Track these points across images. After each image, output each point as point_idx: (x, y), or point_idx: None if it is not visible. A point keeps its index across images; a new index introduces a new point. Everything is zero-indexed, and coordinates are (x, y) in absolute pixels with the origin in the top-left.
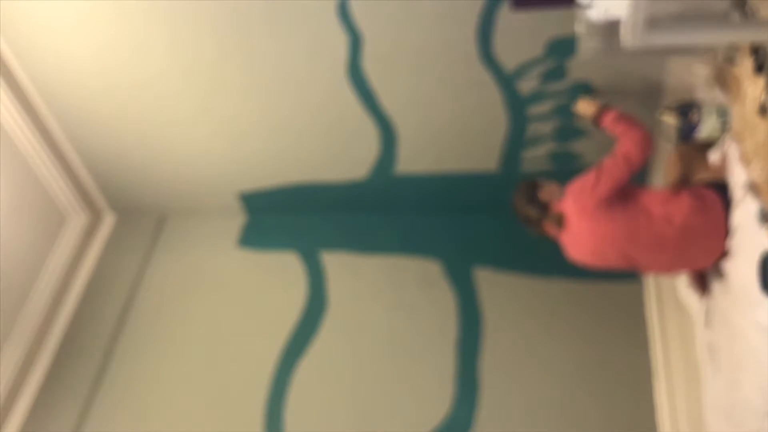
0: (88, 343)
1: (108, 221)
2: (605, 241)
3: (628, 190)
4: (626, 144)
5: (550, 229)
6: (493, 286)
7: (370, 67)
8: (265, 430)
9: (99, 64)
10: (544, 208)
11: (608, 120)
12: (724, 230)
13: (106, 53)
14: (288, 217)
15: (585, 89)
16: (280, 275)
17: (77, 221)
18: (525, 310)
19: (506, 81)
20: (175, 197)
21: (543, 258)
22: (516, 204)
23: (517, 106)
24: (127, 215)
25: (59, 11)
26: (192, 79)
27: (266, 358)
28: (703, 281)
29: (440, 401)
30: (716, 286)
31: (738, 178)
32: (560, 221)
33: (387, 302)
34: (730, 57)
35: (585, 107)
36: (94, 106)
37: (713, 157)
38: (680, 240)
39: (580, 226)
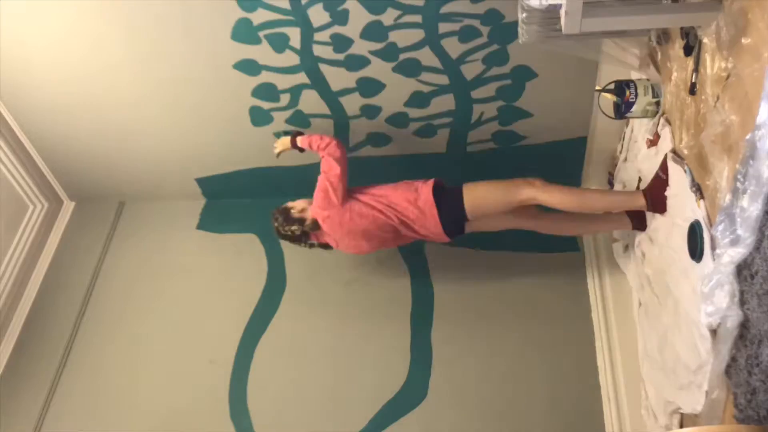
0: (50, 330)
1: (68, 209)
2: (363, 230)
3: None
4: (324, 147)
5: (315, 237)
6: (442, 259)
7: (319, 50)
8: (229, 408)
9: (54, 55)
10: (301, 221)
11: (302, 141)
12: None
13: (61, 44)
14: (245, 199)
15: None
16: (240, 256)
17: (37, 210)
18: (473, 282)
19: (452, 66)
20: (133, 183)
21: (489, 234)
22: (278, 229)
23: (462, 90)
24: (86, 202)
25: (12, 1)
26: (148, 66)
27: (229, 337)
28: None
29: (398, 372)
30: (651, 250)
31: (667, 147)
32: (315, 225)
33: (343, 279)
34: (662, 39)
35: (282, 143)
36: (50, 97)
37: (647, 134)
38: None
39: (340, 222)
